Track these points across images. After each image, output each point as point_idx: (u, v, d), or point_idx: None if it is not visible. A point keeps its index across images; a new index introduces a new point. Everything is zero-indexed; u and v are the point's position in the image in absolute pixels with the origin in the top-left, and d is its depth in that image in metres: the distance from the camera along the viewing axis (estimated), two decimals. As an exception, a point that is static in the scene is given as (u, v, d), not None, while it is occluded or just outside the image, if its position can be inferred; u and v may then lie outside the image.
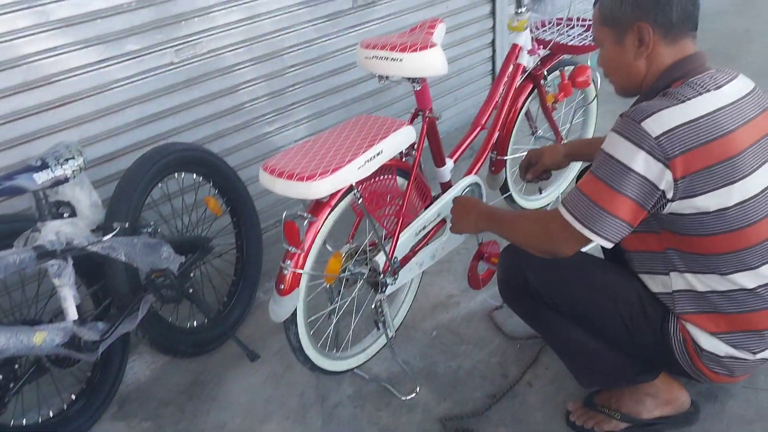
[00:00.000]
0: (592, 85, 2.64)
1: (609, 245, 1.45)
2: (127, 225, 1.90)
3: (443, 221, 2.12)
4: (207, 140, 2.59)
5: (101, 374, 2.06)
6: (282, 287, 1.70)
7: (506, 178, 2.60)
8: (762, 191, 1.42)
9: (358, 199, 1.72)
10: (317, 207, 1.73)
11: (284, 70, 2.78)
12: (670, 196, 1.39)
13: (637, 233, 1.51)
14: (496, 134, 2.36)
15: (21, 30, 2.03)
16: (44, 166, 1.69)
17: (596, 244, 1.46)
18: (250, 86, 2.68)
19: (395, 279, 1.94)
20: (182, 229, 2.32)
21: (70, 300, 1.77)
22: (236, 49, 2.58)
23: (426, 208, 2.05)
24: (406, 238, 1.95)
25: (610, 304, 1.60)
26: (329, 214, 1.74)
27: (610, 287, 1.61)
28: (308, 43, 2.82)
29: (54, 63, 2.13)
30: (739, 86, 1.47)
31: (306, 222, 1.70)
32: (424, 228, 2.02)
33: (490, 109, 2.32)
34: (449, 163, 2.19)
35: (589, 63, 2.56)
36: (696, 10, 1.48)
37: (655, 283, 1.59)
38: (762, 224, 1.43)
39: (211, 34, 2.49)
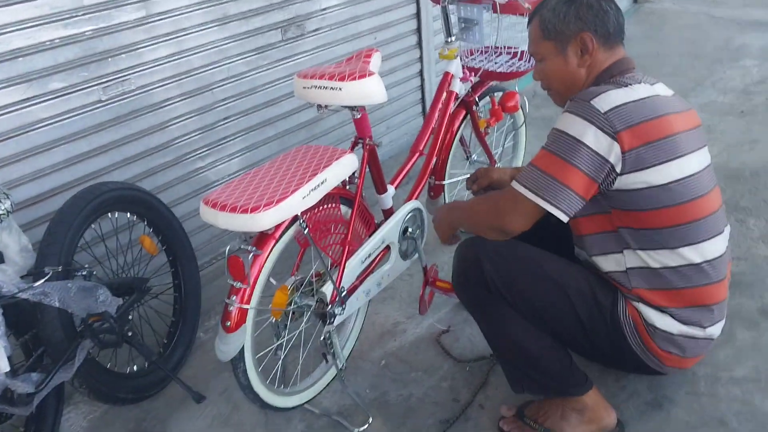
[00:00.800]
0: (520, 110, 2.73)
1: (564, 218, 1.53)
2: (60, 269, 1.81)
3: (387, 248, 2.12)
4: (138, 178, 2.51)
5: (35, 429, 1.93)
6: (228, 324, 1.66)
7: (444, 203, 2.63)
8: (699, 171, 1.57)
9: (305, 229, 1.70)
10: (261, 239, 1.69)
11: (215, 104, 2.74)
12: (618, 169, 1.50)
13: (589, 216, 1.63)
14: (434, 159, 2.39)
15: (-64, 70, 1.94)
16: (-33, 210, 1.60)
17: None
18: (180, 121, 2.63)
19: (343, 309, 1.92)
20: (118, 270, 2.22)
21: (0, 351, 1.66)
22: (165, 84, 2.53)
23: (370, 235, 2.05)
24: (353, 267, 1.94)
25: (562, 292, 1.66)
26: (274, 246, 1.71)
27: (561, 276, 1.67)
28: (238, 77, 2.79)
29: (-28, 103, 2.03)
30: (664, 87, 1.65)
31: (250, 255, 1.67)
32: (369, 255, 2.01)
33: (427, 135, 2.35)
34: (390, 189, 2.20)
35: (516, 89, 2.65)
36: (624, 21, 1.69)
37: (609, 263, 1.66)
38: (702, 201, 1.56)
39: (139, 71, 2.43)
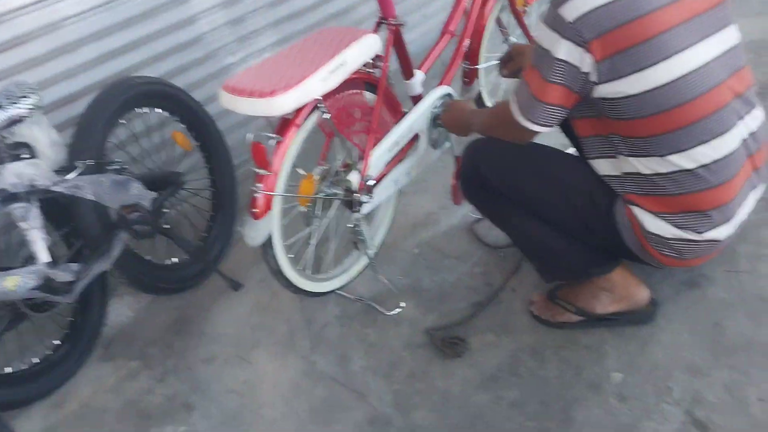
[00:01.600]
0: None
1: (548, 130, 1.53)
2: (92, 163, 1.85)
3: (417, 136, 2.08)
4: (170, 75, 2.50)
5: (82, 318, 2.04)
6: (255, 211, 1.67)
7: (480, 89, 2.55)
8: (698, 67, 1.41)
9: (324, 114, 1.67)
10: (284, 126, 1.68)
11: (243, -6, 2.67)
12: (594, 78, 1.42)
13: (583, 118, 1.57)
14: (466, 42, 2.29)
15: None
16: (-5, 106, 1.63)
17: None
18: (209, 15, 2.58)
19: (371, 197, 1.91)
20: (153, 167, 2.26)
21: (39, 242, 1.74)
22: (190, -24, 2.47)
23: (397, 123, 2.00)
24: (379, 155, 1.91)
25: (558, 191, 1.63)
26: (297, 132, 1.69)
27: (557, 175, 1.63)
28: (265, -34, 2.70)
29: (-1, 2, 2.03)
30: None
31: (273, 142, 1.65)
32: (397, 144, 1.98)
33: (459, 14, 2.24)
34: (419, 74, 2.13)
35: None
36: None
37: (604, 166, 1.60)
38: (697, 102, 1.42)
39: (164, -38, 2.37)
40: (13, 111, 1.64)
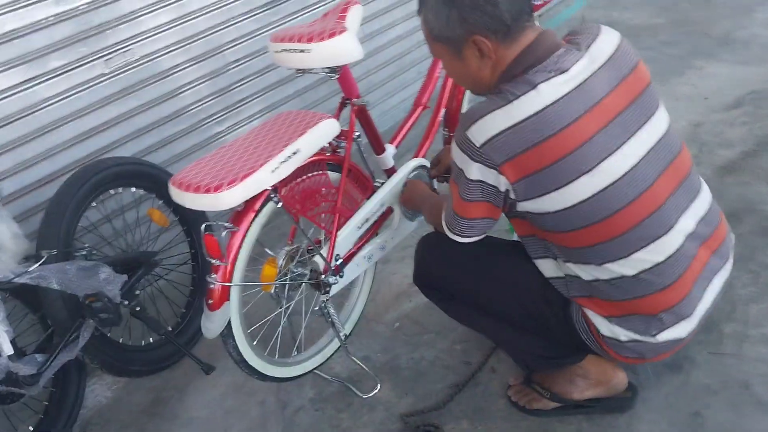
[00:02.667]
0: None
1: (478, 239, 1.50)
2: (56, 251, 1.84)
3: (390, 210, 2.04)
4: (153, 149, 2.52)
5: (58, 403, 2.01)
6: (211, 302, 1.64)
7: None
8: (619, 178, 1.32)
9: (277, 204, 1.63)
10: (238, 216, 1.65)
11: (227, 66, 2.69)
12: (513, 196, 1.35)
13: (517, 218, 1.50)
14: (443, 111, 2.25)
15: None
16: (-47, 203, 1.63)
17: None
18: (192, 87, 2.60)
19: (340, 277, 1.87)
20: (128, 247, 2.25)
21: (2, 336, 1.72)
22: (171, 51, 2.49)
23: (368, 199, 1.97)
24: (347, 234, 1.87)
25: (511, 294, 1.56)
26: (253, 220, 1.66)
27: (508, 276, 1.57)
28: (249, 36, 2.72)
29: (-27, 89, 2.06)
30: (596, 56, 1.35)
31: (225, 233, 1.63)
32: (367, 220, 1.94)
33: (431, 86, 2.21)
34: (390, 149, 2.10)
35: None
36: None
37: (548, 268, 1.53)
38: (623, 214, 1.34)
39: (141, 40, 2.40)
40: (-29, 207, 1.64)
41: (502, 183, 1.35)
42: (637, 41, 3.81)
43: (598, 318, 1.47)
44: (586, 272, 1.42)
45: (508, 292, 1.57)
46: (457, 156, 1.39)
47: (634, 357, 1.50)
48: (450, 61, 1.45)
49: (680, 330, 1.44)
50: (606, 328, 1.46)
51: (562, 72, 1.31)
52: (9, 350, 1.73)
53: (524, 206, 1.37)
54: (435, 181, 2.14)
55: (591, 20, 4.36)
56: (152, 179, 2.20)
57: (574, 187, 1.31)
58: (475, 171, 1.35)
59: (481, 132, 1.32)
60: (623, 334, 1.45)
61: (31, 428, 1.99)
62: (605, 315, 1.45)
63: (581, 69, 1.33)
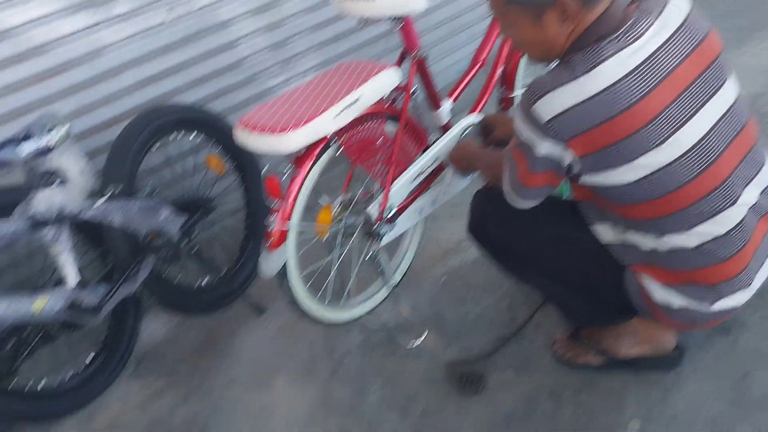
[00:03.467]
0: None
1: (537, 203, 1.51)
2: (120, 188, 1.91)
3: (443, 165, 2.06)
4: (210, 99, 2.56)
5: (115, 336, 2.11)
6: (269, 243, 1.69)
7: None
8: (688, 151, 1.30)
9: (337, 150, 1.67)
10: (299, 159, 1.69)
11: (284, 19, 2.70)
12: (577, 170, 1.34)
13: (579, 185, 1.46)
14: (500, 69, 2.25)
15: (5, 1, 2.03)
16: (28, 136, 1.70)
17: None
18: (249, 40, 2.62)
19: (392, 228, 1.90)
20: (187, 192, 2.32)
21: (68, 266, 1.81)
22: (231, 2, 2.52)
23: (423, 152, 1.99)
24: (401, 186, 1.90)
25: (565, 253, 1.56)
26: (312, 165, 1.70)
27: (565, 236, 1.56)
28: (307, -11, 2.74)
29: (43, 32, 2.12)
30: (667, 23, 1.31)
31: (286, 176, 1.67)
32: (420, 174, 1.97)
33: (490, 43, 2.20)
34: (447, 104, 2.11)
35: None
36: None
37: (604, 234, 1.53)
38: (690, 187, 1.32)
39: (203, -11, 2.43)
40: (44, 141, 1.71)
41: (569, 157, 1.33)
42: (696, 11, 3.72)
43: (652, 284, 1.47)
44: (646, 242, 1.42)
45: (563, 251, 1.57)
46: (522, 129, 1.37)
47: (685, 324, 1.50)
48: (523, 26, 1.37)
49: (736, 300, 1.44)
50: (660, 294, 1.46)
51: (633, 42, 1.28)
52: (75, 280, 1.82)
53: (588, 180, 1.36)
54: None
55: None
56: (212, 127, 2.25)
57: (643, 160, 1.29)
58: (542, 145, 1.34)
59: (548, 108, 1.29)
60: (677, 302, 1.45)
61: (90, 358, 2.08)
62: (661, 282, 1.45)
63: (652, 38, 1.29)
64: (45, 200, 1.75)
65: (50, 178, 1.78)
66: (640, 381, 1.71)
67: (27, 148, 1.69)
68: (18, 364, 1.81)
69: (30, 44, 2.10)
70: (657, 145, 1.28)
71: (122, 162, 1.96)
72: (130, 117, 2.29)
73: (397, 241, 2.13)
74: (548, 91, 1.29)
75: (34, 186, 1.76)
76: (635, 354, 1.72)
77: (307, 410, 1.87)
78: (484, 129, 2.03)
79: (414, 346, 1.99)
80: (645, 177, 1.31)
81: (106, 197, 1.86)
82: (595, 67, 1.27)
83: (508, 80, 2.35)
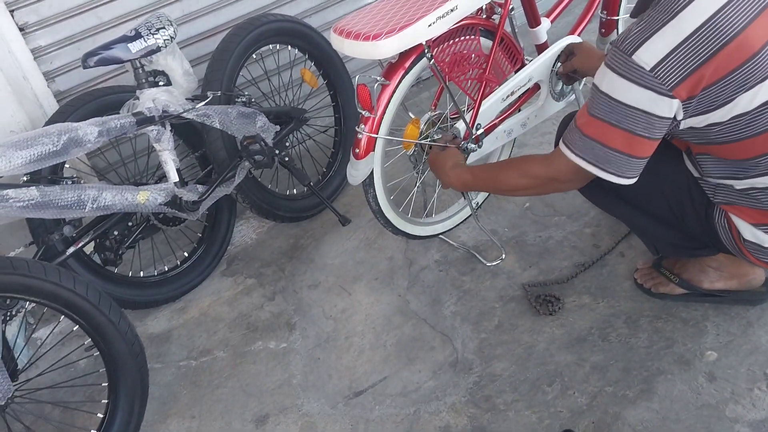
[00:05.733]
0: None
1: (630, 182, 1.37)
2: (220, 93, 2.00)
3: (537, 87, 2.02)
4: (308, 13, 2.60)
5: (210, 235, 2.25)
6: (357, 151, 1.73)
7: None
8: None
9: (430, 61, 1.67)
10: (390, 70, 1.71)
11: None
12: (681, 117, 1.26)
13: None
14: (603, -9, 2.17)
15: None
16: (137, 36, 1.79)
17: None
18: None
19: (479, 146, 1.91)
20: (282, 103, 2.39)
21: (170, 163, 1.92)
22: None
23: (516, 72, 1.96)
24: (491, 104, 1.89)
25: (655, 184, 1.51)
26: (403, 77, 1.71)
27: (657, 167, 1.46)
28: None
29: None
30: None
31: (377, 85, 1.69)
32: (512, 93, 1.94)
33: (596, -38, 2.12)
34: (545, 22, 2.05)
35: None
36: None
37: (697, 170, 1.47)
38: None
39: None
40: (152, 41, 1.80)
41: (673, 108, 1.25)
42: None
43: (743, 223, 1.42)
44: (742, 182, 1.37)
45: (654, 183, 1.51)
46: (617, 85, 1.27)
47: None
48: None
49: None
50: (750, 233, 1.42)
51: None
52: (175, 177, 1.93)
53: (690, 123, 1.29)
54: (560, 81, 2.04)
55: None
56: (308, 40, 2.30)
57: (747, 96, 1.22)
58: (644, 100, 1.25)
59: (651, 53, 1.21)
60: (767, 242, 1.41)
61: (186, 254, 2.23)
62: (752, 222, 1.41)
63: None
64: (150, 98, 1.85)
65: (156, 77, 1.88)
66: (722, 313, 1.68)
67: (136, 46, 1.78)
68: (123, 251, 1.96)
69: (142, -50, 2.19)
70: (762, 80, 1.21)
71: (223, 67, 2.04)
72: (233, 26, 2.38)
73: (485, 160, 2.13)
74: (647, 38, 1.22)
75: (141, 84, 1.86)
76: (719, 287, 1.68)
77: (385, 315, 1.95)
78: (568, 53, 1.95)
79: (492, 265, 2.02)
80: (749, 112, 1.25)
81: (206, 101, 1.94)
82: (690, 2, 1.21)
83: (612, 3, 2.26)
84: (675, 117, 1.27)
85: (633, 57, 1.23)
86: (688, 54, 1.20)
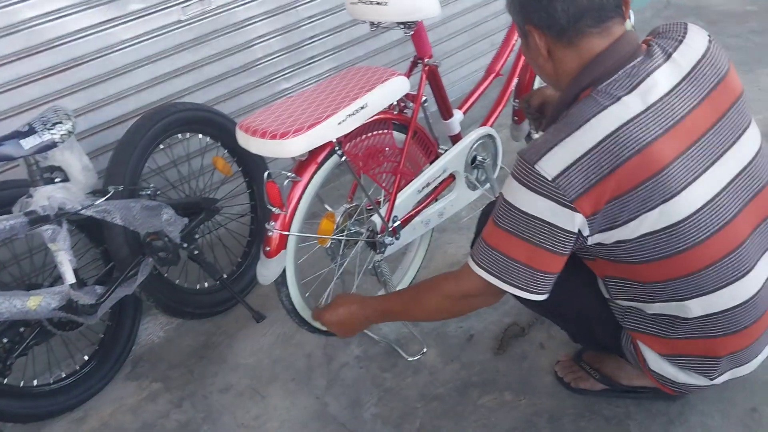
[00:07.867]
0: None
1: (539, 298, 1.31)
2: (122, 188, 1.89)
3: (452, 177, 2.01)
4: (221, 99, 2.54)
5: (113, 336, 2.09)
6: (268, 249, 1.65)
7: (530, 128, 2.45)
8: (698, 210, 1.21)
9: (341, 158, 1.63)
10: (301, 166, 1.66)
11: (300, 22, 2.68)
12: (587, 233, 1.23)
13: (587, 260, 1.40)
14: (515, 80, 2.20)
15: (20, -6, 2.03)
16: (31, 131, 1.68)
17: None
18: (263, 41, 2.60)
19: (396, 239, 1.86)
20: (191, 192, 2.29)
21: (66, 264, 1.78)
22: (246, 3, 2.50)
23: (431, 163, 1.95)
24: (407, 197, 1.86)
25: (568, 295, 1.44)
26: (315, 172, 1.66)
27: (570, 278, 1.38)
28: (324, -7, 2.71)
29: (56, 27, 2.10)
30: (679, 64, 1.23)
31: (287, 182, 1.64)
32: (428, 185, 1.92)
33: (506, 54, 2.16)
34: (458, 114, 2.07)
35: None
36: (594, 4, 1.21)
37: (608, 293, 1.47)
38: (699, 250, 1.23)
39: (218, -11, 2.42)
40: (47, 137, 1.69)
41: (577, 222, 1.20)
42: (723, 28, 3.66)
43: (650, 353, 1.41)
44: (650, 307, 1.35)
45: (566, 293, 1.40)
46: (520, 195, 1.23)
47: (679, 390, 1.47)
48: (523, 44, 1.37)
49: (742, 371, 1.39)
50: (656, 364, 1.40)
51: (636, 87, 1.20)
52: (71, 279, 1.79)
53: (597, 239, 1.25)
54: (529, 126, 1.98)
55: (677, 5, 4.19)
56: (219, 127, 2.23)
57: (651, 216, 1.20)
58: (545, 211, 1.21)
59: (552, 164, 1.18)
60: (673, 374, 1.40)
61: (86, 357, 2.06)
62: (660, 352, 1.38)
63: (660, 82, 1.21)
64: (45, 196, 1.73)
65: (52, 174, 1.77)
66: (644, 410, 1.65)
67: (30, 142, 1.67)
68: (12, 361, 1.79)
69: (42, 38, 2.09)
70: (665, 201, 1.19)
71: (126, 160, 1.94)
72: (137, 116, 2.30)
73: (403, 252, 2.08)
74: (550, 149, 1.20)
75: (35, 181, 1.74)
76: (637, 384, 1.66)
77: (301, 421, 1.83)
78: (527, 107, 1.86)
79: (414, 360, 1.95)
80: (654, 233, 1.21)
81: (107, 196, 1.83)
82: (594, 115, 1.19)
83: (523, 92, 2.30)
84: (581, 232, 1.22)
85: (535, 166, 1.20)
86: (590, 166, 1.17)
